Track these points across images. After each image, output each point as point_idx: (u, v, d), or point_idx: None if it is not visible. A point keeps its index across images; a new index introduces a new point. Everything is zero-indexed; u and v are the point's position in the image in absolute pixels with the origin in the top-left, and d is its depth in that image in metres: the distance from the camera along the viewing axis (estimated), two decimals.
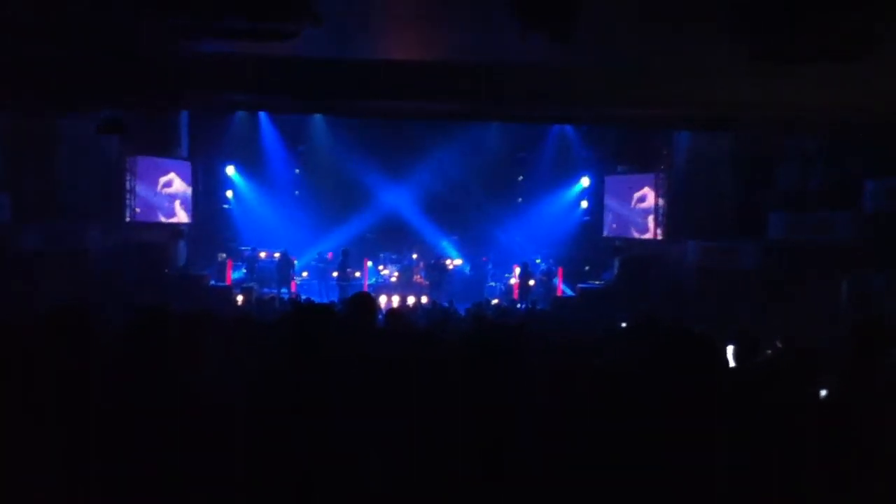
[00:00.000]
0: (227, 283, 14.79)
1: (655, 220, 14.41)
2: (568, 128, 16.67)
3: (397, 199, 17.35)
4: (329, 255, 16.22)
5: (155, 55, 7.58)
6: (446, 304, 12.08)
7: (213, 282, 14.53)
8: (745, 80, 7.68)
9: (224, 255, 15.69)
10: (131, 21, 6.08)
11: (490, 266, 17.11)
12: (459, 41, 7.35)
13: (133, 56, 7.29)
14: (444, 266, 16.14)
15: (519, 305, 14.10)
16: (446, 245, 17.71)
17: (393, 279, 16.52)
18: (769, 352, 5.34)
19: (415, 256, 16.92)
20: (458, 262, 17.35)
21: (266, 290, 14.80)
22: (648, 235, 14.62)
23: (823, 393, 3.67)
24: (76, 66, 7.97)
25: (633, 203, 15.01)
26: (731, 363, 4.86)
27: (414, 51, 8.19)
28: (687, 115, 10.95)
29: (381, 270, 16.89)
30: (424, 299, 14.67)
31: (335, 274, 15.30)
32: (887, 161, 11.13)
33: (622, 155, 15.84)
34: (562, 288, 15.63)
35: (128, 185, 13.93)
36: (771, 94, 8.38)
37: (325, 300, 12.41)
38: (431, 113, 12.77)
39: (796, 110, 9.54)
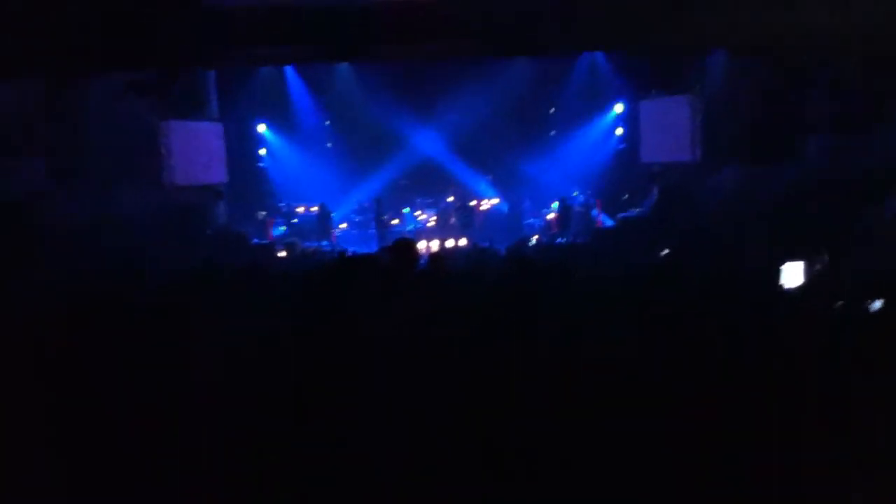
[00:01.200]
0: (269, 239, 14.99)
1: (692, 142, 14.10)
2: (598, 55, 16.25)
3: (429, 142, 17.25)
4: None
5: (179, 12, 7.57)
6: (486, 245, 12.10)
7: (255, 240, 14.74)
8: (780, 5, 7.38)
9: (264, 213, 15.87)
10: None
11: (527, 202, 17.00)
12: None
13: (158, 13, 7.30)
14: (471, 207, 16.10)
15: (559, 240, 14.04)
16: (481, 184, 17.63)
17: (430, 223, 16.56)
18: (818, 266, 5.28)
19: (451, 199, 16.90)
20: (496, 200, 17.28)
21: (307, 243, 14.96)
22: (687, 158, 14.32)
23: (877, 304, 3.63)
24: (103, 25, 7.99)
25: (669, 126, 14.68)
26: (801, 279, 4.85)
27: None
28: (717, 41, 10.57)
29: (418, 216, 16.93)
30: (464, 241, 14.70)
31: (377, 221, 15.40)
32: None
33: (655, 79, 15.41)
34: (601, 219, 15.50)
35: (162, 149, 14.06)
36: (803, 19, 8.03)
37: (366, 249, 12.52)
38: (457, 51, 12.53)
39: (829, 37, 9.16)
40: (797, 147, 12.22)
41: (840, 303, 3.81)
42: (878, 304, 3.42)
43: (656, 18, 8.60)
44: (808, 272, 5.18)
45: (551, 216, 15.77)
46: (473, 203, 16.61)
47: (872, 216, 10.56)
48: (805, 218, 10.90)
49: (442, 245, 14.68)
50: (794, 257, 5.25)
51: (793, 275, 5.06)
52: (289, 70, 16.30)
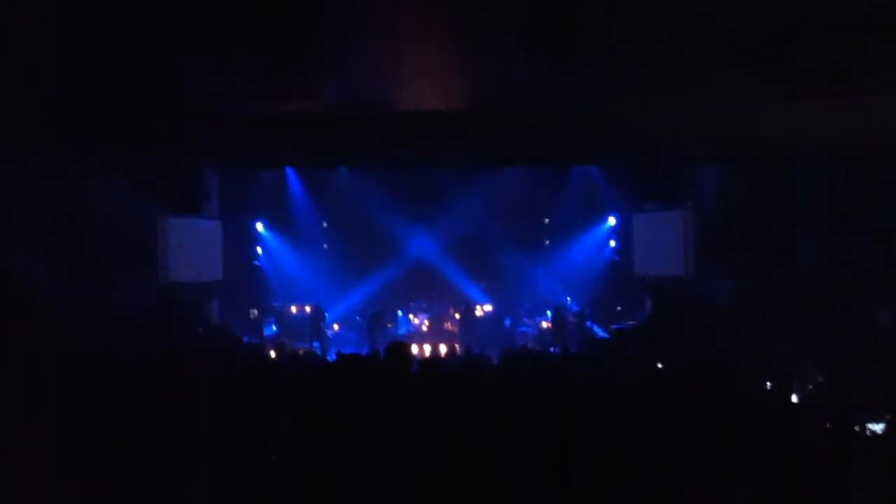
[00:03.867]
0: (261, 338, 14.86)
1: (685, 256, 14.26)
2: (592, 168, 16.69)
3: (424, 247, 17.42)
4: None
5: (186, 117, 7.78)
6: (478, 351, 11.97)
7: (245, 338, 14.59)
8: (767, 112, 7.66)
9: (256, 312, 15.79)
10: (167, 83, 6.26)
11: (520, 311, 16.99)
12: (476, 89, 7.44)
13: (166, 117, 7.50)
14: (474, 313, 16.08)
15: (553, 349, 13.93)
16: (475, 291, 17.67)
17: (424, 328, 16.47)
18: (811, 387, 5.20)
19: (445, 304, 16.90)
20: (488, 307, 17.28)
21: (298, 343, 14.81)
22: (679, 272, 14.44)
23: (879, 428, 3.56)
24: (106, 127, 8.18)
25: (661, 240, 14.89)
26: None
27: (434, 101, 8.30)
28: (712, 148, 10.91)
29: (412, 319, 16.86)
30: (457, 347, 14.57)
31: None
32: None
33: (648, 192, 15.77)
34: (594, 329, 15.45)
35: (160, 246, 14.14)
36: (793, 125, 8.34)
37: (359, 351, 12.40)
38: (451, 159, 12.86)
39: (819, 142, 9.48)
40: (794, 254, 12.36)
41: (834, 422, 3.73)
42: (879, 427, 3.35)
43: (650, 133, 8.88)
44: (800, 390, 5.13)
45: (545, 324, 15.71)
46: (478, 308, 16.64)
47: (871, 325, 10.55)
48: (800, 333, 10.89)
49: (435, 350, 14.54)
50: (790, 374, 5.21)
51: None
52: (289, 171, 16.65)
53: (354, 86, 6.80)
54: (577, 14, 4.70)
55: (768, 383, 4.79)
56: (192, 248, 14.78)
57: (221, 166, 14.27)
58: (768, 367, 5.29)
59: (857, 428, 3.56)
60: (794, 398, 5.25)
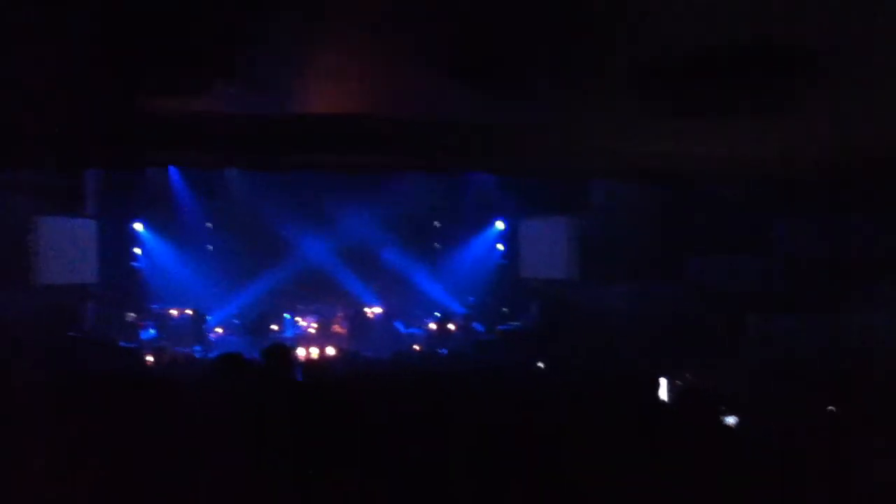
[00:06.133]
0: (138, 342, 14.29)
1: (569, 262, 14.78)
2: (484, 174, 16.98)
3: (315, 249, 17.22)
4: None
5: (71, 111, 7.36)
6: (368, 354, 11.98)
7: (122, 343, 13.99)
8: (658, 134, 8.01)
9: (134, 315, 15.18)
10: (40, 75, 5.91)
11: (410, 313, 17.11)
12: (379, 95, 7.43)
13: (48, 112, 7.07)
14: (364, 315, 16.06)
15: (441, 350, 14.12)
16: (365, 293, 17.65)
17: (311, 330, 16.30)
18: (679, 383, 5.58)
19: (334, 307, 16.79)
20: (378, 309, 17.29)
21: (179, 348, 14.34)
22: (564, 277, 14.96)
23: (732, 420, 3.85)
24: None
25: (547, 245, 15.38)
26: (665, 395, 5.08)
27: (334, 104, 8.22)
28: (603, 168, 11.25)
29: (299, 322, 16.65)
30: (344, 349, 14.52)
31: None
32: (798, 207, 11.72)
33: (538, 199, 16.23)
34: (481, 331, 15.77)
35: (33, 247, 13.35)
36: (684, 147, 8.73)
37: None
38: (349, 166, 12.76)
39: (710, 164, 9.95)
40: (679, 267, 12.98)
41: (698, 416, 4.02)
42: (732, 420, 3.64)
43: (542, 147, 9.11)
44: (672, 389, 5.45)
45: (433, 326, 15.89)
46: (367, 310, 16.60)
47: (741, 337, 11.27)
48: (679, 338, 11.51)
49: (322, 353, 14.42)
50: (661, 374, 5.53)
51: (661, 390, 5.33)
52: (173, 170, 16.06)
53: (247, 86, 6.64)
54: (475, 41, 4.79)
55: (638, 381, 5.06)
56: (66, 248, 14.06)
57: (103, 164, 13.59)
58: (639, 367, 5.59)
59: (715, 423, 3.83)
60: (665, 396, 5.62)
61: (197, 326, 14.56)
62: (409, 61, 5.37)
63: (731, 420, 3.69)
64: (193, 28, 4.29)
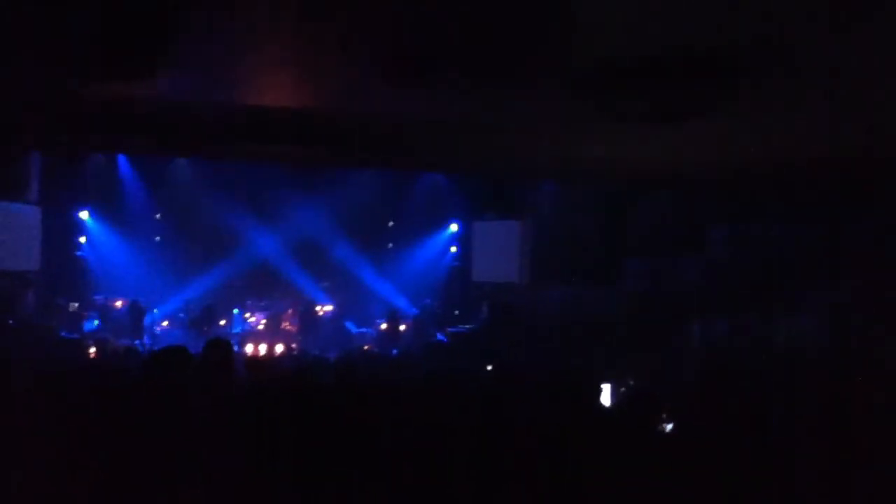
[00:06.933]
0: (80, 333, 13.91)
1: (521, 265, 14.88)
2: (438, 175, 17.00)
3: (266, 245, 16.97)
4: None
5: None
6: (316, 352, 11.86)
7: (63, 333, 13.60)
8: (591, 137, 8.10)
9: (76, 305, 14.77)
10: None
11: (361, 312, 17.00)
12: (325, 89, 7.35)
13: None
14: (314, 313, 15.89)
15: (393, 351, 14.05)
16: (316, 291, 17.47)
17: (260, 327, 16.07)
18: (623, 389, 5.63)
19: (284, 303, 16.59)
20: (329, 308, 17.13)
21: (122, 340, 14.01)
22: (515, 280, 15.05)
23: (669, 427, 3.89)
24: None
25: (499, 248, 15.45)
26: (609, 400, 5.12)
27: (283, 97, 8.11)
28: (552, 169, 11.37)
29: (248, 318, 16.39)
30: (293, 347, 14.35)
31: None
32: (732, 209, 12.01)
33: (490, 201, 16.31)
34: (432, 332, 15.74)
35: None
36: (617, 151, 8.85)
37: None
38: (296, 158, 12.61)
39: (643, 167, 10.13)
40: (619, 269, 13.18)
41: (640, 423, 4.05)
42: (669, 427, 3.68)
43: (488, 147, 9.15)
44: (615, 394, 5.48)
45: (384, 326, 15.82)
46: (317, 308, 16.42)
47: (680, 343, 11.48)
48: (619, 342, 11.67)
49: (270, 350, 14.23)
50: (604, 379, 5.57)
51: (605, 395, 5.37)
52: (121, 158, 15.69)
53: (194, 74, 6.50)
54: (426, 39, 4.77)
55: (582, 387, 5.08)
56: (7, 235, 13.65)
57: (44, 148, 13.21)
58: (584, 372, 5.62)
59: (656, 428, 3.87)
60: (607, 401, 5.66)
61: (136, 319, 14.24)
62: (359, 56, 5.32)
63: (671, 425, 3.73)
64: (137, 12, 4.18)
